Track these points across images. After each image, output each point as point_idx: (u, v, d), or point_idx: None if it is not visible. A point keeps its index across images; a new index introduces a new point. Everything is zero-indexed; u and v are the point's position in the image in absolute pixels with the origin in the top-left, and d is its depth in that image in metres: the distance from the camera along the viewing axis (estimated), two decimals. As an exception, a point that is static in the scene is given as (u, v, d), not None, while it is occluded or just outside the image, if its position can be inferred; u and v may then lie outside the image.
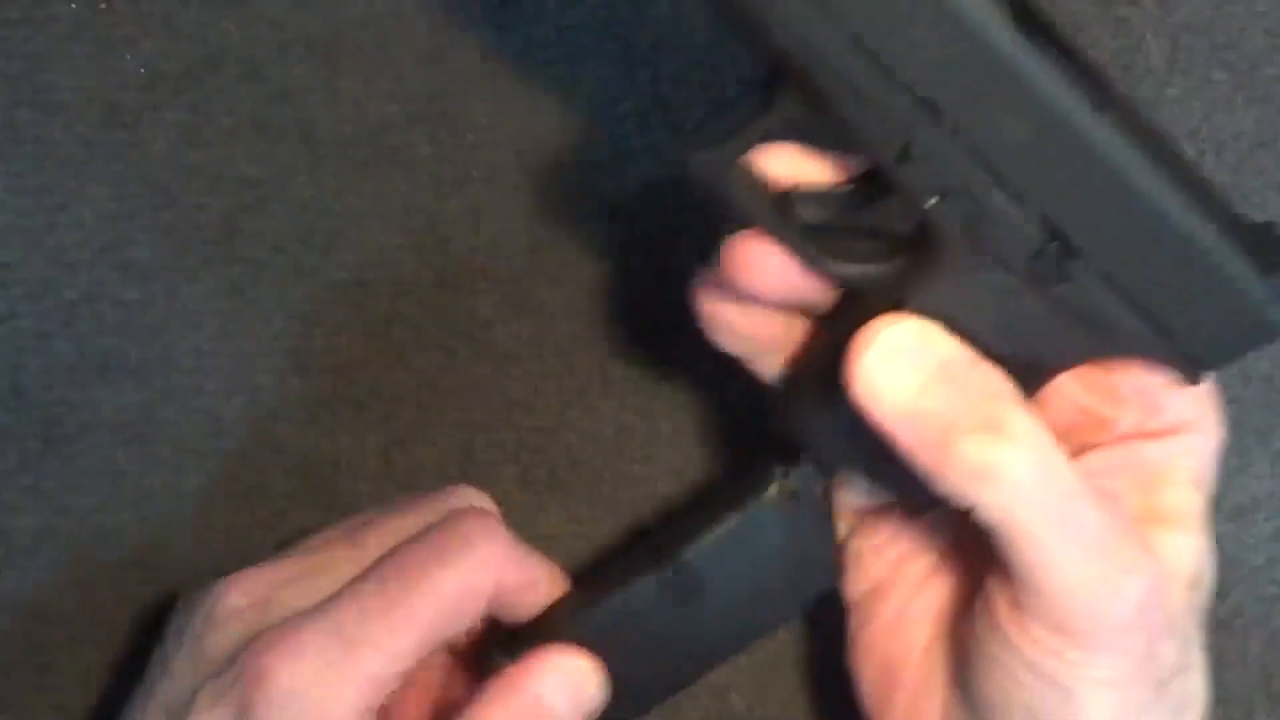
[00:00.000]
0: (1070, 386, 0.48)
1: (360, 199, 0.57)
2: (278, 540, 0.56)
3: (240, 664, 0.46)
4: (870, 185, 0.45)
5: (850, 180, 0.45)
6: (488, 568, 0.48)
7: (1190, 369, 0.45)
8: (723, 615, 0.50)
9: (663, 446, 0.58)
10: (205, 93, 0.56)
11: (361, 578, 0.48)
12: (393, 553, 0.49)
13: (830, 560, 0.50)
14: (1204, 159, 0.58)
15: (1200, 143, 0.58)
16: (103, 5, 0.55)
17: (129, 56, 0.55)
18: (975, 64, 0.40)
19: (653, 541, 0.50)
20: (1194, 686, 0.47)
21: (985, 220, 0.42)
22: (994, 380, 0.44)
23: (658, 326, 0.57)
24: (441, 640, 0.48)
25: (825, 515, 0.50)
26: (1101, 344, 0.45)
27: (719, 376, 0.55)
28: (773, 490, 0.49)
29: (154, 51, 0.55)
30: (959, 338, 0.44)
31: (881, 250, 0.46)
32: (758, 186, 0.45)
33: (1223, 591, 0.59)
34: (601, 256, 0.57)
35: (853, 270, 0.45)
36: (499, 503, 0.54)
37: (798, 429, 0.48)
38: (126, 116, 0.56)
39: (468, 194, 0.57)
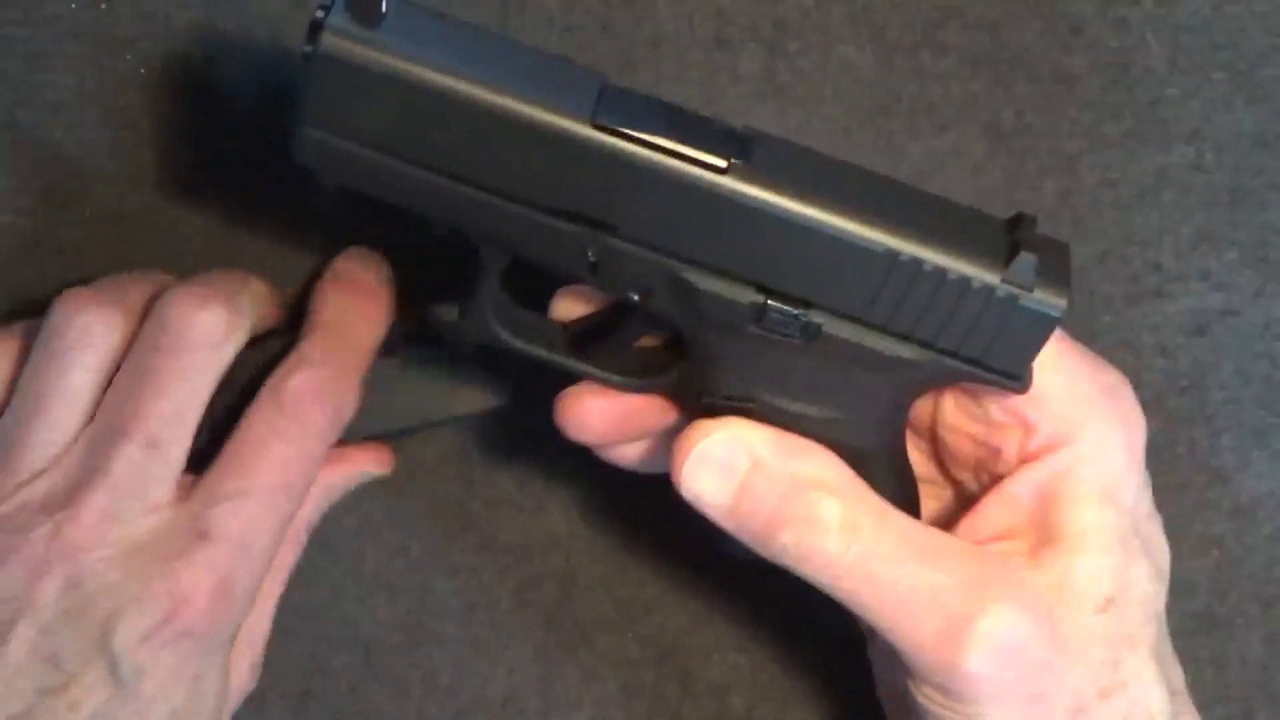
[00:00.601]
0: (955, 418, 0.49)
1: (360, 199, 0.56)
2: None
3: (161, 600, 0.47)
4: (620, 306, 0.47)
5: (606, 306, 0.48)
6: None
7: (1006, 378, 0.45)
8: None
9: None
10: (205, 93, 0.56)
11: (214, 479, 0.49)
12: (235, 443, 0.50)
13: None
14: (1204, 159, 0.58)
15: (1200, 143, 0.58)
16: (103, 5, 0.55)
17: (129, 56, 0.55)
18: (588, 169, 0.42)
19: None
20: (1146, 699, 0.47)
21: (697, 299, 0.44)
22: (806, 467, 0.46)
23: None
24: (300, 502, 0.50)
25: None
26: (908, 379, 0.46)
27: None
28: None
29: (154, 51, 0.55)
30: (770, 407, 0.46)
31: (662, 358, 0.48)
32: (533, 329, 0.48)
33: (1223, 591, 0.59)
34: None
35: (644, 383, 0.48)
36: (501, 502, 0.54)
37: None
38: (126, 116, 0.56)
39: (468, 194, 0.57)
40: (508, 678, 0.59)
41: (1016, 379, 0.45)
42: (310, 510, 0.53)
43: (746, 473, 0.46)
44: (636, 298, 0.45)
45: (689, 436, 0.46)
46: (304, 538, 0.53)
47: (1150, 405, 0.58)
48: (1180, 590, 0.59)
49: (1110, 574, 0.47)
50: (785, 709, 0.60)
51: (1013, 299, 0.43)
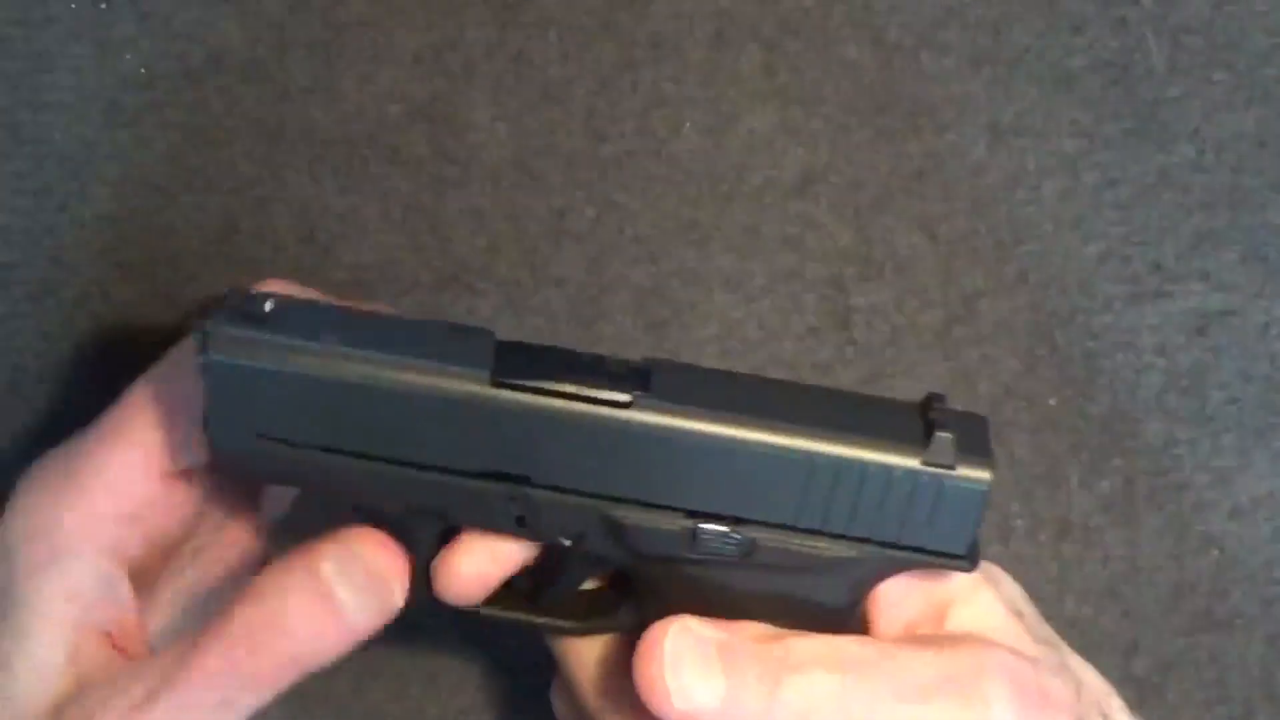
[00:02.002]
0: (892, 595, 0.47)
1: (360, 199, 0.57)
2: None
3: None
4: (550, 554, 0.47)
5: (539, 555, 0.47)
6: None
7: (952, 559, 0.45)
8: None
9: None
10: (205, 93, 0.56)
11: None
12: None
13: None
14: (1204, 159, 0.58)
15: (1200, 143, 0.58)
16: (103, 5, 0.55)
17: (129, 56, 0.55)
18: (497, 426, 0.43)
19: None
20: (1096, 684, 0.47)
21: (627, 534, 0.44)
22: (757, 627, 0.45)
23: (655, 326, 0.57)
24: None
25: None
26: (854, 576, 0.45)
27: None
28: None
29: (154, 51, 0.55)
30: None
31: (608, 597, 0.48)
32: (492, 594, 0.47)
33: (1223, 591, 0.59)
34: (601, 256, 0.57)
35: (596, 625, 0.48)
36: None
37: None
38: (126, 116, 0.56)
39: (468, 194, 0.57)
40: (508, 678, 0.59)
41: (962, 558, 0.45)
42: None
43: (718, 655, 0.44)
44: (569, 543, 0.45)
45: (649, 655, 0.44)
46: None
47: (1150, 405, 0.58)
48: (1180, 590, 0.59)
49: (995, 597, 0.47)
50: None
51: (937, 480, 0.43)
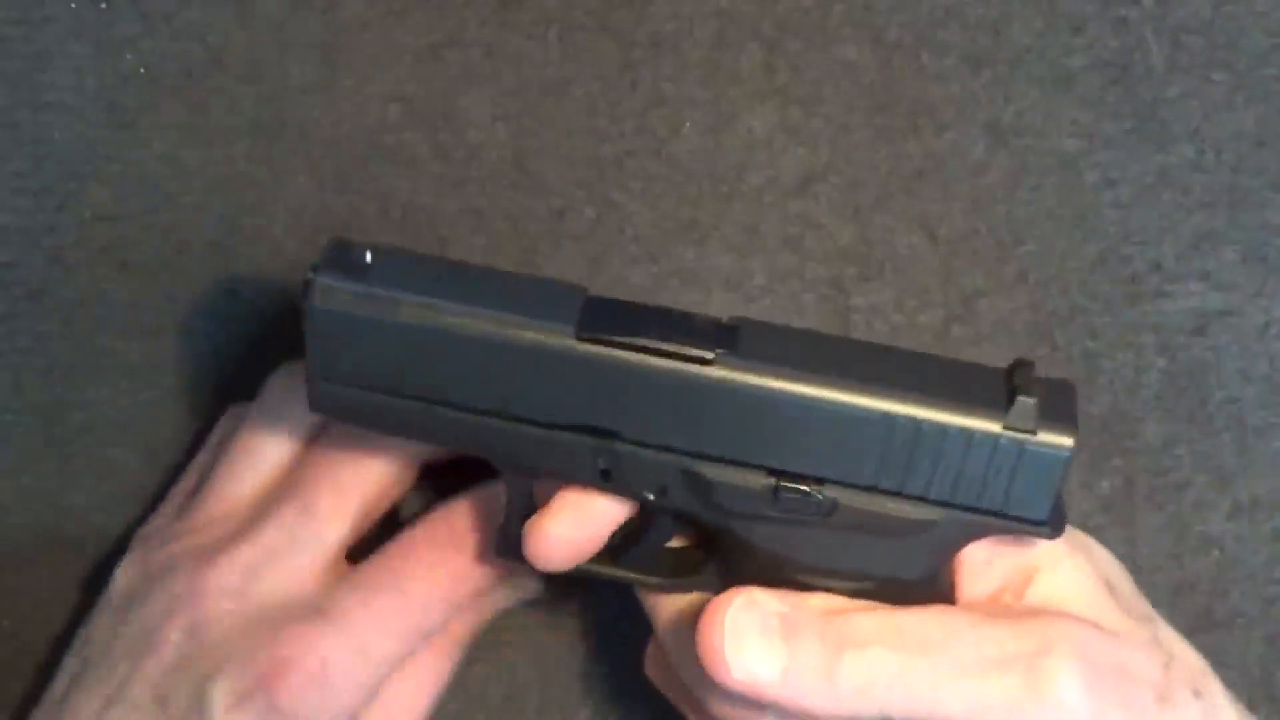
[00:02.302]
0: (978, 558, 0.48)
1: (360, 199, 0.57)
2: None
3: (260, 663, 0.46)
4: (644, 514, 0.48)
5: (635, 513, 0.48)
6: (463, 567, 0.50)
7: (1033, 525, 0.45)
8: None
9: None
10: (205, 93, 0.56)
11: (361, 569, 0.49)
12: (392, 545, 0.50)
13: None
14: (1204, 159, 0.58)
15: (1200, 143, 0.58)
16: (103, 5, 0.55)
17: (129, 56, 0.55)
18: (582, 381, 0.44)
19: None
20: (1191, 661, 0.47)
21: (711, 491, 0.45)
22: (825, 601, 0.45)
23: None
24: (443, 619, 0.49)
25: None
26: (937, 540, 0.45)
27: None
28: None
29: (154, 51, 0.55)
30: (808, 585, 0.46)
31: (695, 556, 0.49)
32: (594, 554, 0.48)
33: (1223, 591, 0.59)
34: (601, 256, 0.57)
35: (683, 583, 0.48)
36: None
37: None
38: (126, 116, 0.56)
39: (468, 194, 0.57)
40: (508, 678, 0.59)
41: (1043, 524, 0.45)
42: (462, 628, 0.52)
43: (780, 629, 0.44)
44: (652, 497, 0.46)
45: (711, 624, 0.44)
46: (456, 654, 0.53)
47: (1150, 405, 0.58)
48: (1180, 590, 0.59)
49: (1086, 566, 0.47)
50: (785, 709, 0.60)
51: (1018, 444, 0.43)
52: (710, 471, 0.45)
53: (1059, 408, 0.44)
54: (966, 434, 0.43)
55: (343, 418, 0.46)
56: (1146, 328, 0.58)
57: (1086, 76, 0.57)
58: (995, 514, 0.45)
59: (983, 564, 0.47)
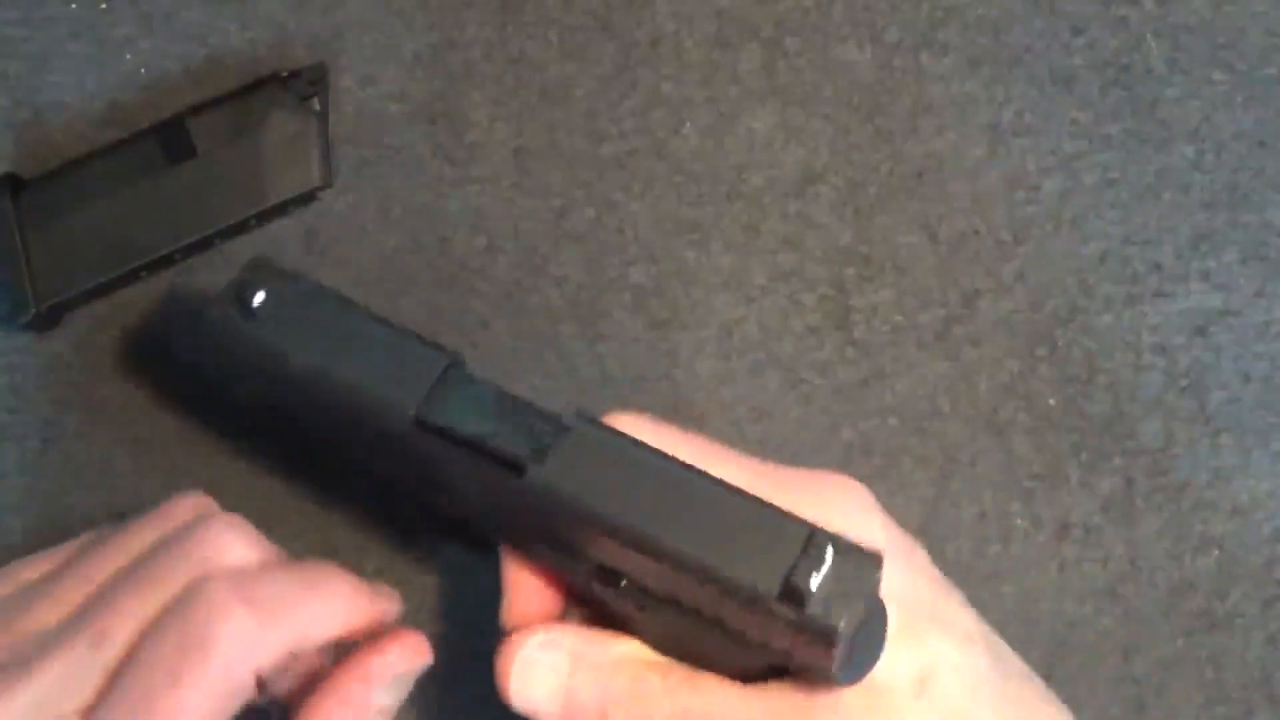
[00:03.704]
0: None
1: (360, 199, 0.57)
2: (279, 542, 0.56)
3: None
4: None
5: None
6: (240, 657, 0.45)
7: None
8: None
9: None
10: (206, 93, 0.56)
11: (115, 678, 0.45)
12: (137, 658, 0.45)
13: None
14: (1204, 159, 0.58)
15: (1200, 143, 0.58)
16: (103, 5, 0.55)
17: (129, 56, 0.55)
18: (415, 458, 0.46)
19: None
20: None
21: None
22: (622, 648, 0.46)
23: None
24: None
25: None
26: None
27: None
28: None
29: (154, 51, 0.55)
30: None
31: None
32: None
33: (1223, 591, 0.59)
34: (601, 256, 0.57)
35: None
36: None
37: None
38: (126, 116, 0.56)
39: (468, 194, 0.57)
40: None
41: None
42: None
43: (569, 670, 0.46)
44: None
45: (507, 651, 0.47)
46: None
47: (1150, 405, 0.58)
48: (1180, 590, 0.59)
49: (906, 660, 0.44)
50: (785, 709, 0.60)
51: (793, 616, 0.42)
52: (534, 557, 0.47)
53: (849, 584, 0.41)
54: (742, 592, 0.42)
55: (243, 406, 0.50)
56: (1146, 328, 0.58)
57: (1086, 76, 0.57)
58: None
59: None
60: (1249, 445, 0.59)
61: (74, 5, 0.55)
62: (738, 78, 0.57)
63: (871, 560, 0.42)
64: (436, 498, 0.48)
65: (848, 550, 0.41)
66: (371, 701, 0.47)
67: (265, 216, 0.55)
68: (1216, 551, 0.59)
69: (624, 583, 0.45)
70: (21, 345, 0.56)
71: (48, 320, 0.55)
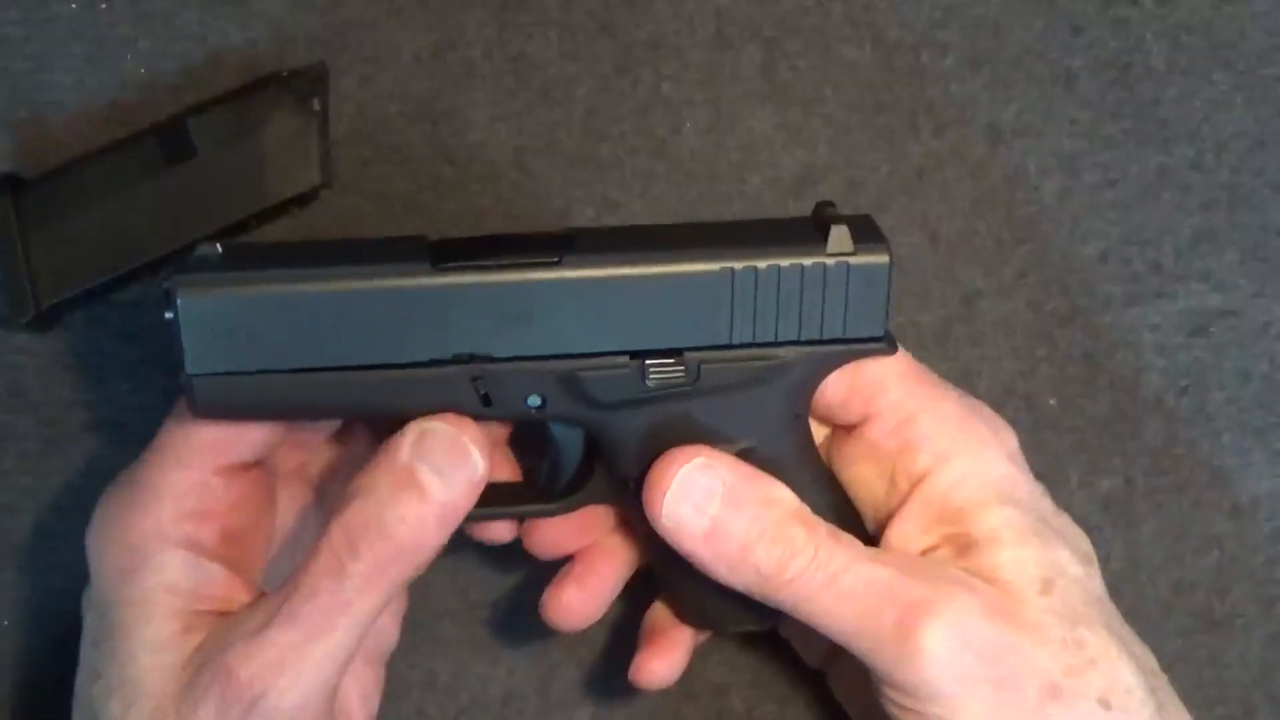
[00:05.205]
0: (847, 461, 0.51)
1: (360, 199, 0.57)
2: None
3: (216, 674, 0.45)
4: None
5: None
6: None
7: (872, 344, 0.49)
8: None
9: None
10: (205, 93, 0.56)
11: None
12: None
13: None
14: (1204, 159, 0.58)
15: (1200, 143, 0.58)
16: (103, 5, 0.55)
17: (129, 56, 0.55)
18: (447, 310, 0.46)
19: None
20: (1117, 674, 0.47)
21: (585, 387, 0.48)
22: (773, 491, 0.48)
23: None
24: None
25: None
26: (793, 383, 0.49)
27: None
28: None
29: (154, 51, 0.55)
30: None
31: (581, 472, 0.52)
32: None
33: (1223, 591, 0.59)
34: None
35: (568, 503, 0.52)
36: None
37: None
38: (126, 116, 0.56)
39: (468, 194, 0.57)
40: (508, 678, 0.59)
41: (880, 341, 0.48)
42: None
43: (721, 497, 0.48)
44: (534, 411, 0.48)
45: (665, 468, 0.48)
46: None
47: (1150, 405, 0.58)
48: (1180, 590, 0.59)
49: (1034, 560, 0.48)
50: (785, 709, 0.60)
51: (844, 266, 0.47)
52: (578, 369, 0.47)
53: (867, 232, 0.48)
54: (798, 269, 0.47)
55: (224, 414, 0.47)
56: (1146, 328, 0.58)
57: (1086, 76, 0.57)
58: (839, 341, 0.48)
59: (840, 406, 0.50)
60: (1249, 445, 0.59)
61: (74, 5, 0.55)
62: (738, 78, 0.57)
63: (868, 218, 0.49)
64: (465, 355, 0.47)
65: (847, 215, 0.48)
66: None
67: (265, 216, 0.55)
68: (1216, 551, 0.59)
69: (671, 360, 0.48)
70: (21, 345, 0.56)
71: (48, 320, 0.55)
